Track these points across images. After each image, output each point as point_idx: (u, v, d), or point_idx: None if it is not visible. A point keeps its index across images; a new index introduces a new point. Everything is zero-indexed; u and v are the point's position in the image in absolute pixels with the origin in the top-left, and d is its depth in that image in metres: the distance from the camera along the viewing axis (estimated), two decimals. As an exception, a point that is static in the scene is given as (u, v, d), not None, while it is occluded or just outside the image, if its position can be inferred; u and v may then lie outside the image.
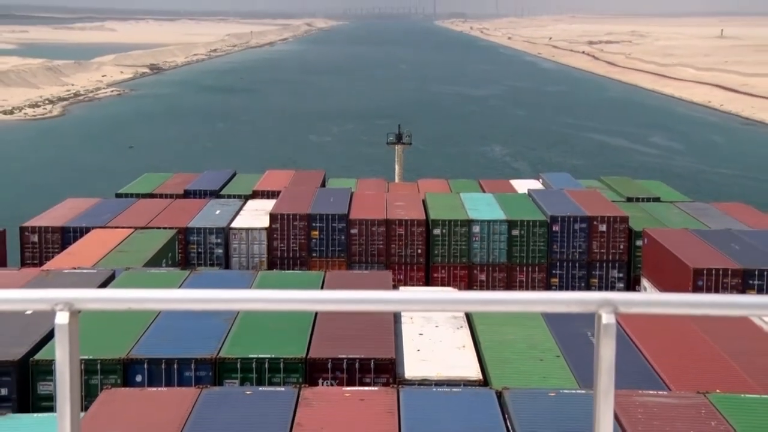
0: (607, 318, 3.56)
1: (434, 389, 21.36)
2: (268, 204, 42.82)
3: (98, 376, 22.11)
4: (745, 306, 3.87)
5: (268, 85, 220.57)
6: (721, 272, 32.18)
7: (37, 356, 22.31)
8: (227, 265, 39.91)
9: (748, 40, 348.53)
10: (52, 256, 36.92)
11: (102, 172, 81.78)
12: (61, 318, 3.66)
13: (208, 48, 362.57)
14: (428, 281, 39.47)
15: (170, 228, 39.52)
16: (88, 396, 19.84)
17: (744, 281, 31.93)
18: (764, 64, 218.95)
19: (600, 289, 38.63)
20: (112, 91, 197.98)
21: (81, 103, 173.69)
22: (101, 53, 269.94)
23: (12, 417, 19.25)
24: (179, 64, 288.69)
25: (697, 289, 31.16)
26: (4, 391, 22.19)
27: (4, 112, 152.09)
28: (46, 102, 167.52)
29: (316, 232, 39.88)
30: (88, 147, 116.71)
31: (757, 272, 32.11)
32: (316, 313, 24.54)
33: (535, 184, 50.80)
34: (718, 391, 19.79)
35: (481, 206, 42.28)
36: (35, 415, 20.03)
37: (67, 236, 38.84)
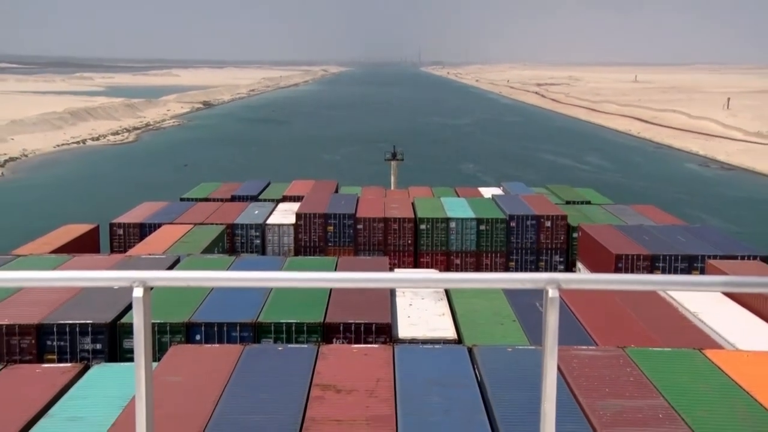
0: (552, 293, 3.62)
1: (420, 346, 21.22)
2: (295, 206, 42.68)
3: (168, 335, 22.29)
4: (653, 283, 3.93)
5: (293, 116, 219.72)
6: (635, 257, 32.24)
7: (122, 320, 22.45)
8: (263, 252, 39.88)
9: (656, 84, 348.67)
10: (133, 245, 37.01)
11: (165, 183, 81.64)
12: (137, 292, 3.76)
13: (248, 88, 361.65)
14: (416, 264, 39.51)
15: (221, 224, 39.46)
16: (160, 350, 19.79)
17: (652, 264, 31.97)
18: (668, 102, 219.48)
19: (546, 270, 38.86)
20: (174, 122, 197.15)
21: (150, 132, 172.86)
22: (167, 93, 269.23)
23: (104, 365, 19.33)
24: (226, 100, 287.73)
25: (617, 270, 31.18)
26: (98, 346, 22.39)
27: (93, 139, 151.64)
28: (124, 131, 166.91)
29: (331, 227, 39.93)
30: (155, 165, 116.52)
31: (661, 257, 32.15)
32: (331, 289, 24.79)
33: (497, 191, 50.66)
34: (632, 345, 19.80)
35: (456, 207, 42.28)
36: (121, 364, 20.10)
37: (144, 230, 38.87)
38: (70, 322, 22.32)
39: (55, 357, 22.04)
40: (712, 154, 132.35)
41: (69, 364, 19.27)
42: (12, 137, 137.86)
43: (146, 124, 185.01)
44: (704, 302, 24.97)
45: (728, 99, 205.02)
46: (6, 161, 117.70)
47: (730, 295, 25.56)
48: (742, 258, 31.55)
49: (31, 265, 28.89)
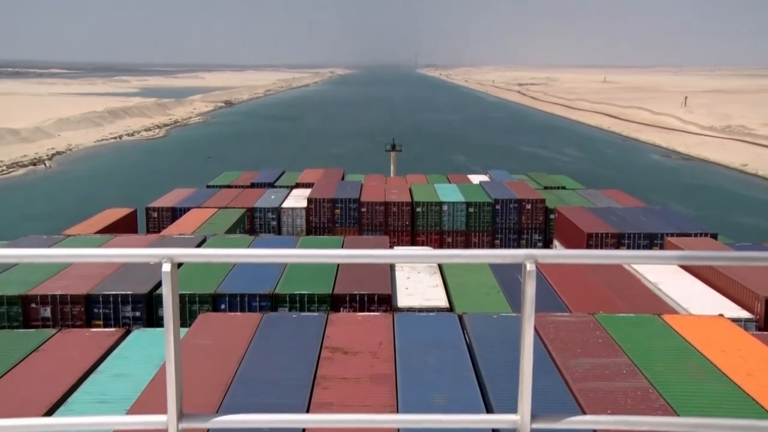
0: (529, 266, 3.61)
1: (417, 314, 21.05)
2: (306, 191, 42.47)
3: (197, 305, 22.28)
4: (618, 257, 3.94)
5: (304, 113, 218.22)
6: (603, 235, 32.10)
7: (157, 291, 22.51)
8: (279, 232, 39.68)
9: (622, 84, 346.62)
10: (166, 227, 36.96)
11: (192, 173, 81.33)
12: (166, 268, 3.72)
13: (264, 89, 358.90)
14: (413, 243, 39.28)
15: (242, 208, 39.30)
16: (191, 318, 19.87)
17: (618, 241, 31.83)
18: (633, 100, 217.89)
19: (527, 247, 38.73)
20: (199, 119, 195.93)
21: (178, 128, 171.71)
22: (193, 93, 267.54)
23: (143, 330, 19.33)
24: (245, 99, 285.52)
25: (589, 246, 31.04)
26: (137, 313, 22.48)
27: (128, 135, 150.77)
28: (155, 127, 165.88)
29: (338, 210, 39.67)
30: (183, 157, 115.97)
31: (626, 235, 32.03)
32: (338, 264, 24.46)
33: (484, 178, 50.23)
34: (600, 312, 19.77)
35: (448, 192, 42.02)
36: (157, 329, 20.05)
37: (175, 213, 38.75)
38: (113, 292, 22.41)
39: (101, 323, 22.12)
40: (673, 146, 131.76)
41: (113, 329, 19.23)
42: (59, 133, 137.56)
43: (175, 121, 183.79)
44: (662, 274, 24.98)
45: (686, 98, 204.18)
46: (53, 155, 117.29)
47: (685, 268, 25.62)
48: (695, 235, 31.50)
49: (78, 244, 28.72)
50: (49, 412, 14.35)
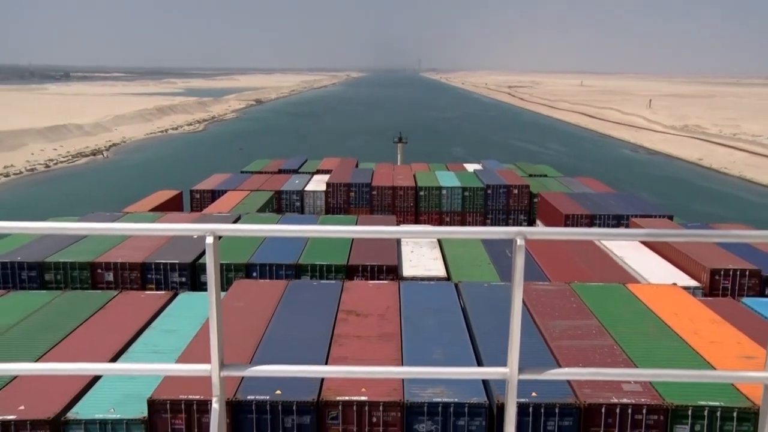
0: (519, 241, 3.56)
1: (419, 282, 20.96)
2: (325, 177, 42.19)
3: (233, 272, 22.16)
4: (591, 234, 3.88)
5: (323, 110, 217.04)
6: (579, 216, 31.76)
7: (200, 260, 22.56)
8: (302, 211, 39.45)
9: (596, 87, 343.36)
10: (207, 206, 36.88)
11: (227, 161, 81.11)
12: (209, 240, 3.69)
13: (290, 89, 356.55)
14: (416, 221, 39.00)
15: (270, 190, 39.16)
16: (228, 283, 19.82)
17: (591, 221, 31.60)
18: (606, 102, 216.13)
19: (513, 226, 38.49)
20: (233, 115, 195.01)
21: (215, 123, 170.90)
22: (229, 93, 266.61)
23: (188, 293, 19.47)
24: (272, 98, 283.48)
25: (566, 225, 30.77)
26: (184, 279, 22.43)
27: (173, 129, 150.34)
28: (196, 122, 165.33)
29: (353, 193, 39.37)
30: (218, 147, 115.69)
31: (598, 216, 31.76)
32: (352, 239, 24.18)
33: (478, 166, 49.80)
34: (575, 281, 19.88)
35: (447, 179, 41.69)
36: (200, 292, 20.23)
37: (214, 195, 38.61)
38: (164, 261, 22.49)
39: (153, 286, 22.22)
40: (640, 142, 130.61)
41: (163, 292, 19.45)
42: (115, 128, 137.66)
43: (212, 117, 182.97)
44: (627, 249, 25.04)
45: (650, 100, 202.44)
46: (111, 146, 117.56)
47: (646, 244, 25.63)
48: (656, 217, 31.41)
49: (135, 220, 28.85)
50: (113, 359, 14.65)
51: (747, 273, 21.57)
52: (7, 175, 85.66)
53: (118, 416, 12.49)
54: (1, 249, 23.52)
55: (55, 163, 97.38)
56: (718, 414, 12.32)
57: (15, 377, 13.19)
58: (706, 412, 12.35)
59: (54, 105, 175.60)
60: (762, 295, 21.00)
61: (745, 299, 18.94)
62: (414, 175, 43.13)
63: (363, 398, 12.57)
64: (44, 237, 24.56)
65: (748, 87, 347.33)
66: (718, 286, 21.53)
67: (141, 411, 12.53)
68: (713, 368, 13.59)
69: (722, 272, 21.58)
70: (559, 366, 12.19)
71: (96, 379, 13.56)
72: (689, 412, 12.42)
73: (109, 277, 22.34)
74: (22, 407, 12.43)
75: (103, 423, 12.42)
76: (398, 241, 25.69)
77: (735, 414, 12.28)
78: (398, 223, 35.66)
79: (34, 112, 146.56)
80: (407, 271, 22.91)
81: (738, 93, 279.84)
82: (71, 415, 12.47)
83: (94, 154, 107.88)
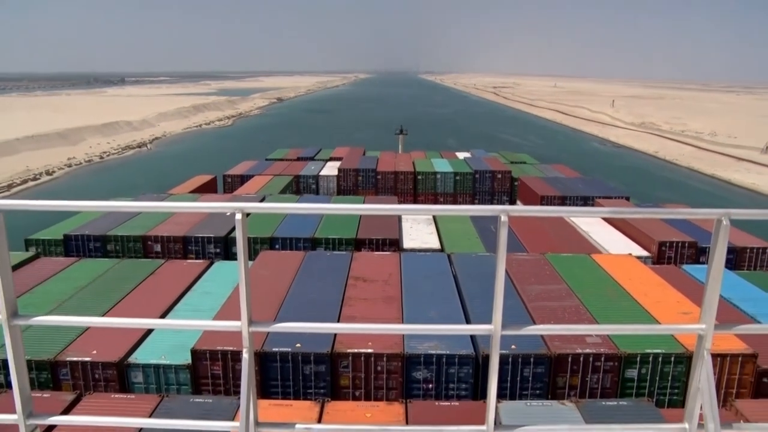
0: (503, 218, 3.50)
1: (417, 253, 20.85)
2: (337, 163, 41.90)
3: (259, 244, 22.14)
4: (562, 212, 3.83)
5: (335, 107, 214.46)
6: (552, 197, 31.65)
7: (232, 234, 22.55)
8: (317, 193, 39.10)
9: (567, 88, 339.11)
10: (237, 189, 36.66)
11: (253, 150, 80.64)
12: (238, 216, 3.63)
13: (306, 89, 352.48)
14: (415, 201, 38.76)
15: (290, 175, 38.88)
16: (255, 254, 19.78)
17: (562, 201, 31.50)
18: (576, 101, 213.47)
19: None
20: (257, 111, 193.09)
21: (242, 118, 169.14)
22: (254, 93, 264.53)
23: (222, 262, 19.40)
24: (291, 97, 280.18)
25: (541, 205, 30.79)
26: (218, 250, 22.45)
27: (206, 124, 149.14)
28: (226, 118, 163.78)
29: (361, 177, 39.06)
30: (244, 139, 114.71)
31: (568, 197, 31.65)
32: (360, 216, 24.32)
33: (467, 154, 49.37)
34: (549, 252, 19.95)
35: (441, 165, 41.41)
36: (231, 261, 20.21)
37: (243, 179, 38.26)
38: (201, 235, 22.50)
39: (193, 256, 22.29)
40: (607, 137, 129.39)
41: (201, 261, 19.46)
42: (158, 124, 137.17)
43: (240, 113, 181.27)
44: (592, 225, 25.05)
45: (613, 100, 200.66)
46: (153, 139, 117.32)
47: (607, 220, 25.65)
48: (616, 198, 31.36)
49: (178, 200, 28.62)
50: (162, 316, 14.88)
51: (687, 244, 21.70)
52: (69, 166, 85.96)
53: (168, 362, 12.95)
54: (73, 224, 23.72)
55: (108, 155, 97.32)
56: (660, 359, 12.78)
57: (87, 328, 13.47)
58: (650, 358, 12.80)
59: (110, 105, 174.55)
60: (698, 262, 21.19)
61: (684, 266, 19.08)
62: (413, 162, 42.82)
63: (369, 351, 12.69)
64: (106, 214, 24.62)
65: (688, 91, 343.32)
66: (664, 255, 21.65)
67: (186, 358, 12.91)
68: (658, 323, 13.79)
69: (667, 244, 21.69)
70: (535, 323, 12.39)
71: (149, 331, 13.99)
72: (638, 359, 12.81)
73: (158, 248, 22.41)
74: (95, 351, 13.00)
75: (156, 367, 12.88)
76: (399, 218, 25.59)
77: (672, 358, 12.76)
78: (400, 203, 35.66)
79: (93, 111, 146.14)
80: (407, 243, 22.85)
81: (681, 96, 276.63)
82: (132, 359, 12.99)
83: (140, 147, 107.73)
